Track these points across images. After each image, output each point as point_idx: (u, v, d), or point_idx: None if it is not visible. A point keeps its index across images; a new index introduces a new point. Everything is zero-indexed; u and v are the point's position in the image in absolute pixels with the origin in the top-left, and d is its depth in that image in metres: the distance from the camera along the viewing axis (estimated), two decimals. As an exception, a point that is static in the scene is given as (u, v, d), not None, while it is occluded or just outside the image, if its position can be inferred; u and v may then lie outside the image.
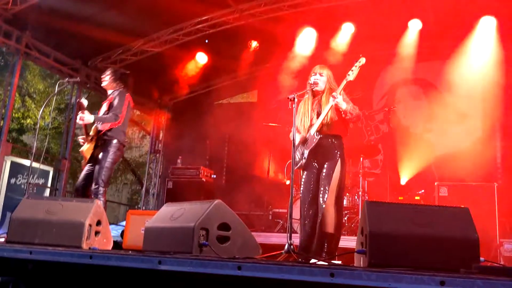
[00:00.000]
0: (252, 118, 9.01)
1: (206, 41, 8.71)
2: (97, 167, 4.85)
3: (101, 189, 4.78)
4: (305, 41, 8.20)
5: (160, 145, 10.66)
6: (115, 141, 4.95)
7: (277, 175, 8.30)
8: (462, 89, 7.09)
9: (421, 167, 7.46)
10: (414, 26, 7.53)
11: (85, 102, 4.95)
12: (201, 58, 9.11)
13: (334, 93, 4.20)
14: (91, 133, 4.98)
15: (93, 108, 15.51)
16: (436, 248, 2.60)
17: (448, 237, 2.65)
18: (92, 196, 4.72)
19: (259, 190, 8.12)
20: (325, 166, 4.28)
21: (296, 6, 7.61)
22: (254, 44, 8.66)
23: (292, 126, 4.19)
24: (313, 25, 8.06)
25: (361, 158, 6.89)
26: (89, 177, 4.91)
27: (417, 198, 6.94)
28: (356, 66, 4.35)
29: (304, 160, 4.38)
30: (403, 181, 7.66)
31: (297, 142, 4.37)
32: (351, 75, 4.32)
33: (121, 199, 16.27)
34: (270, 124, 8.09)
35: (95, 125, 4.96)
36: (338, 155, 4.30)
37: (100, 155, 4.89)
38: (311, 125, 4.38)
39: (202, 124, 9.13)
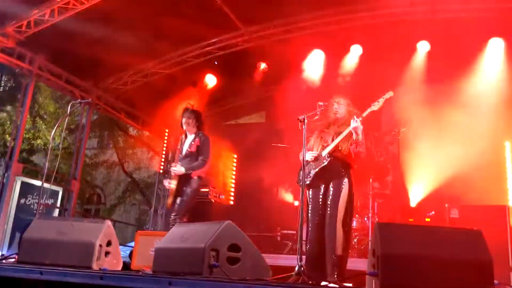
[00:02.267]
0: (260, 138, 9.04)
1: (216, 63, 8.81)
2: (178, 199, 5.28)
3: (179, 220, 5.14)
4: (314, 62, 8.28)
5: (168, 165, 10.67)
6: (196, 177, 5.37)
7: (285, 196, 8.27)
8: (471, 110, 7.08)
9: (431, 188, 7.40)
10: (423, 48, 7.58)
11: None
12: (210, 79, 9.20)
13: (356, 118, 4.25)
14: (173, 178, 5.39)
15: (102, 128, 15.64)
16: (450, 271, 2.57)
17: (461, 259, 2.62)
18: (171, 225, 4.95)
19: (267, 211, 8.09)
20: (332, 187, 4.30)
21: (304, 29, 7.70)
22: (263, 66, 8.75)
23: (301, 146, 4.22)
24: (321, 47, 8.14)
25: (371, 180, 6.87)
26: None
27: (427, 220, 6.87)
28: (383, 98, 4.51)
29: (309, 179, 4.38)
30: (413, 202, 7.58)
31: (308, 159, 4.39)
32: (377, 105, 4.48)
33: (129, 219, 16.23)
34: (278, 144, 8.11)
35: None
36: (345, 177, 4.33)
37: (182, 189, 5.29)
38: (323, 147, 4.41)
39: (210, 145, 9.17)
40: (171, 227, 4.63)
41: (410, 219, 6.93)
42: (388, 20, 7.00)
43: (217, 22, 7.70)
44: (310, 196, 4.44)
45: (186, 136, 5.64)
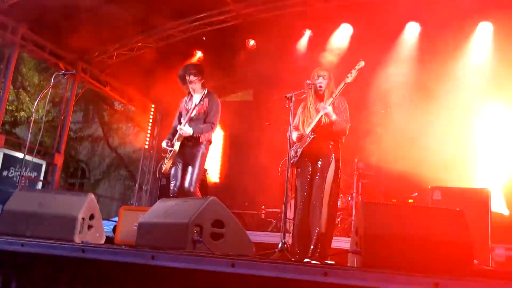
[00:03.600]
0: (248, 117, 9.01)
1: (203, 38, 8.69)
2: (190, 168, 4.79)
3: (195, 186, 4.73)
4: (302, 41, 8.22)
5: (154, 141, 10.62)
6: (205, 141, 4.92)
7: (271, 175, 8.28)
8: (459, 94, 7.12)
9: (415, 170, 7.46)
10: (413, 29, 7.56)
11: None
12: (198, 55, 9.10)
13: (323, 104, 4.25)
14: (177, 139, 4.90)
15: (88, 102, 15.40)
16: (431, 250, 2.60)
17: (442, 239, 2.65)
18: (186, 193, 4.67)
19: (253, 189, 8.11)
20: (319, 166, 4.30)
21: (294, 6, 7.60)
22: (251, 43, 8.66)
23: (288, 125, 4.21)
24: (310, 26, 8.08)
25: (356, 160, 6.90)
26: (183, 175, 4.86)
27: (410, 201, 6.95)
28: (355, 69, 4.36)
29: (296, 158, 4.38)
30: (397, 184, 7.65)
31: (294, 139, 4.38)
32: (350, 77, 4.34)
33: (114, 194, 16.17)
34: (266, 123, 8.09)
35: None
36: (332, 156, 4.31)
37: (192, 156, 4.83)
38: (309, 124, 4.39)
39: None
40: (190, 194, 4.56)
41: (393, 200, 7.00)
42: (379, 0, 6.93)
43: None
44: (298, 175, 4.45)
45: (190, 96, 5.09)
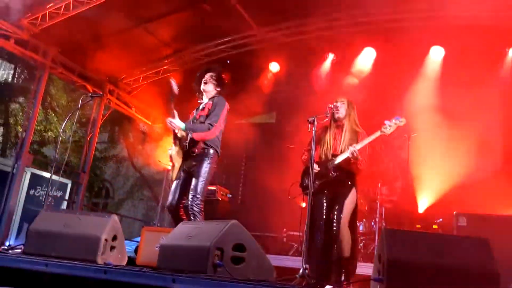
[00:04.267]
0: (270, 139, 9.03)
1: (228, 61, 8.82)
2: (194, 180, 4.34)
3: (199, 202, 4.30)
4: (325, 64, 8.26)
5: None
6: (211, 151, 4.45)
7: (293, 197, 8.25)
8: (483, 119, 7.01)
9: (439, 195, 7.33)
10: (437, 53, 7.53)
11: (175, 86, 4.51)
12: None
13: (353, 147, 4.28)
14: (179, 134, 4.52)
15: (113, 123, 15.70)
16: (455, 279, 2.54)
17: (467, 268, 2.59)
18: (189, 208, 4.26)
19: (275, 211, 8.07)
20: (339, 192, 4.38)
21: (318, 31, 7.67)
22: (275, 66, 8.73)
23: (307, 148, 4.22)
24: (334, 50, 8.12)
25: (379, 184, 6.82)
26: (183, 190, 4.46)
27: (435, 227, 6.81)
28: (394, 123, 4.42)
29: (314, 187, 4.31)
30: (421, 209, 7.52)
31: (314, 167, 4.36)
32: (387, 130, 4.40)
33: (137, 214, 16.29)
34: (288, 146, 8.09)
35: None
36: (352, 185, 4.41)
37: (196, 167, 4.39)
38: (329, 154, 4.48)
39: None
40: (193, 214, 4.21)
41: (417, 226, 6.87)
42: (402, 25, 6.94)
43: (231, 21, 7.71)
44: (313, 202, 4.34)
45: (200, 104, 4.78)
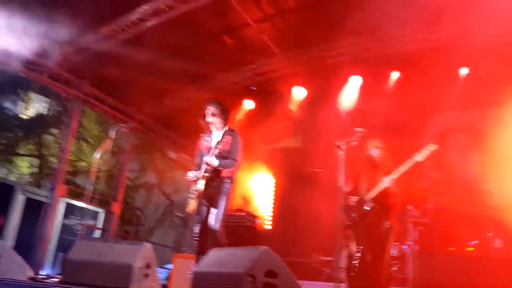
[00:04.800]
0: (297, 163, 9.04)
1: (253, 88, 8.94)
2: (215, 210, 4.65)
3: (218, 229, 4.58)
4: (352, 88, 8.27)
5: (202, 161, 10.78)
6: (229, 180, 4.76)
7: (322, 222, 8.19)
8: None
9: (474, 217, 7.16)
10: (463, 73, 7.47)
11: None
12: (248, 104, 9.33)
13: (386, 178, 4.62)
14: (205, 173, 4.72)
15: (143, 151, 15.94)
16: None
17: (505, 292, 2.53)
18: (216, 239, 4.54)
19: (305, 236, 8.02)
20: (380, 224, 4.64)
21: (343, 55, 7.72)
22: (300, 91, 8.79)
23: (338, 172, 4.24)
24: (359, 73, 8.14)
25: (409, 207, 6.71)
26: (206, 219, 4.71)
27: (469, 249, 6.63)
28: (427, 150, 4.64)
29: (357, 218, 4.75)
30: (455, 231, 7.35)
31: (351, 202, 4.80)
32: (419, 156, 4.64)
33: (167, 241, 16.40)
34: (315, 169, 8.09)
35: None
36: (391, 217, 4.71)
37: (218, 196, 4.68)
38: (368, 190, 4.77)
39: (248, 168, 9.22)
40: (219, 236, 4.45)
41: (451, 248, 6.70)
42: (427, 46, 6.93)
43: (255, 48, 7.85)
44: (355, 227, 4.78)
45: (209, 133, 4.95)
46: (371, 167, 4.85)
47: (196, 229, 4.74)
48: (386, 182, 4.61)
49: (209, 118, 4.87)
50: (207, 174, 4.69)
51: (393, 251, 6.69)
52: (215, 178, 4.69)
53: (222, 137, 4.79)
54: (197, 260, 4.59)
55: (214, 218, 4.61)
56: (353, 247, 4.56)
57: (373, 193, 4.74)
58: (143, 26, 6.94)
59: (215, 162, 4.64)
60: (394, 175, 4.62)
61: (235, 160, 4.74)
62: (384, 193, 4.69)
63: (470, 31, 6.62)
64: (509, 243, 5.56)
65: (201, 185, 4.67)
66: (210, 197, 4.70)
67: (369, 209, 4.72)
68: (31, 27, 6.32)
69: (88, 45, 7.23)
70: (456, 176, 7.64)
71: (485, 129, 7.13)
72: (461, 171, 7.49)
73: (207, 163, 4.65)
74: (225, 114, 4.94)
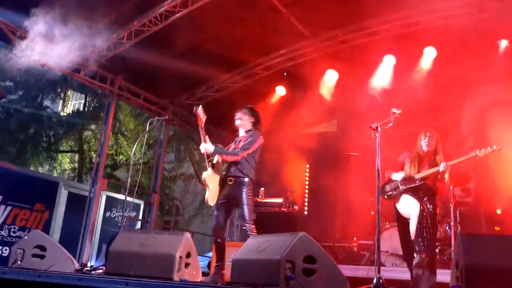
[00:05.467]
0: (333, 147, 8.96)
1: (285, 74, 8.87)
2: (239, 209, 4.78)
3: (251, 227, 4.69)
4: (385, 68, 8.08)
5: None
6: (246, 179, 4.80)
7: (360, 205, 8.11)
8: None
9: (517, 195, 6.93)
10: (503, 45, 7.18)
11: (201, 113, 4.98)
12: (281, 90, 9.28)
13: (446, 164, 4.76)
14: (214, 161, 4.84)
15: (179, 142, 16.18)
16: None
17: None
18: (246, 234, 4.63)
19: (342, 220, 7.97)
20: (427, 202, 4.77)
21: (374, 34, 7.55)
22: (333, 74, 8.66)
23: (375, 155, 4.17)
24: (393, 52, 7.93)
25: (451, 187, 6.55)
26: (226, 215, 4.88)
27: (516, 228, 6.44)
28: (491, 149, 4.80)
29: (396, 193, 4.99)
30: (500, 209, 7.13)
31: (398, 179, 5.01)
32: (480, 153, 4.82)
33: (207, 230, 16.65)
34: (351, 153, 8.00)
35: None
36: (435, 198, 4.88)
37: (238, 194, 4.75)
38: (417, 172, 4.93)
39: (283, 155, 9.20)
40: (248, 235, 4.51)
41: (496, 228, 6.52)
42: (462, 20, 6.67)
43: (285, 33, 7.76)
44: (399, 209, 4.99)
45: (239, 136, 5.07)
46: (420, 155, 5.01)
47: (215, 230, 4.89)
48: (441, 167, 4.75)
49: (237, 122, 5.06)
50: (223, 173, 4.86)
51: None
52: (231, 178, 4.79)
53: (242, 136, 4.96)
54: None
55: (242, 219, 4.73)
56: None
57: (424, 173, 4.88)
58: (172, 17, 6.97)
59: (210, 148, 4.76)
60: (451, 162, 4.80)
61: (238, 150, 4.79)
62: (435, 176, 4.85)
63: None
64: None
65: (207, 174, 4.79)
66: (228, 199, 4.82)
67: (418, 184, 4.85)
68: (70, 30, 6.47)
69: (120, 41, 7.33)
70: (497, 152, 7.39)
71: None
72: (503, 147, 7.23)
73: (204, 150, 4.75)
74: (253, 117, 5.04)
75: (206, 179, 4.79)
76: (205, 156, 4.84)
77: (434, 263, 4.59)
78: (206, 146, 4.79)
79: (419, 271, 4.39)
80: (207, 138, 4.88)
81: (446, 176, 4.83)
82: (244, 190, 4.75)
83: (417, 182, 4.89)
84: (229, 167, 4.84)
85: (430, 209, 4.74)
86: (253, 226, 4.70)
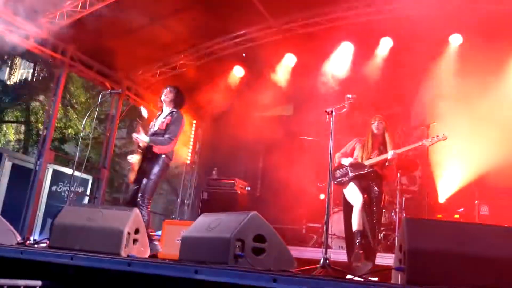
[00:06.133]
0: (288, 131, 9.02)
1: (244, 55, 8.82)
2: (145, 180, 4.90)
3: (146, 201, 4.86)
4: (342, 55, 8.19)
5: (196, 156, 10.79)
6: (163, 156, 4.98)
7: (311, 189, 8.25)
8: (506, 105, 6.89)
9: (461, 184, 7.25)
10: (455, 40, 7.42)
11: (144, 112, 5.16)
12: (238, 71, 9.22)
13: (394, 152, 4.90)
14: (141, 145, 5.00)
15: (132, 118, 15.82)
16: (478, 268, 2.52)
17: (491, 257, 2.56)
18: (138, 204, 4.75)
19: (293, 203, 8.07)
20: (375, 187, 5.01)
21: (334, 21, 7.61)
22: (291, 58, 8.69)
23: (328, 140, 4.23)
24: (351, 39, 8.04)
25: (398, 174, 6.77)
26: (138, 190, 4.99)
27: (456, 216, 6.75)
28: (437, 138, 4.94)
29: (346, 179, 5.09)
30: (442, 198, 7.45)
31: (346, 163, 5.15)
32: (427, 142, 5.00)
33: (156, 208, 16.48)
34: (305, 137, 8.08)
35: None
36: (381, 185, 5.08)
37: (149, 169, 4.93)
38: (367, 157, 5.08)
39: (237, 136, 9.19)
40: (140, 209, 4.59)
41: (438, 215, 6.81)
42: (419, 13, 6.83)
43: (246, 14, 7.70)
44: (346, 196, 5.12)
45: (162, 112, 5.30)
46: (370, 141, 5.15)
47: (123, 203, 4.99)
48: (390, 154, 4.89)
49: (162, 97, 5.25)
50: (140, 150, 4.98)
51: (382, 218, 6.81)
52: (150, 152, 4.95)
53: (164, 117, 5.13)
54: None
55: (141, 193, 4.86)
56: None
57: (373, 160, 5.02)
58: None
59: (145, 138, 4.90)
60: (399, 150, 4.95)
61: (170, 139, 4.98)
62: (383, 163, 5.00)
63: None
64: (494, 210, 5.65)
65: (134, 158, 5.00)
66: (143, 172, 4.97)
67: (367, 171, 5.01)
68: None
69: (74, 9, 7.02)
70: (444, 144, 7.68)
71: (475, 97, 7.11)
72: (449, 139, 7.52)
73: (137, 138, 4.90)
74: (177, 96, 5.25)
75: (133, 164, 5.02)
76: (136, 145, 5.03)
77: (372, 252, 4.77)
78: (141, 137, 4.90)
79: (357, 264, 4.59)
80: (141, 129, 5.00)
81: (394, 163, 5.01)
82: (157, 165, 4.94)
83: (365, 169, 5.04)
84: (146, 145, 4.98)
85: (376, 193, 4.97)
86: (149, 202, 4.92)
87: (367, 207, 4.87)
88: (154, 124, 5.18)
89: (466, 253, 2.56)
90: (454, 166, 7.41)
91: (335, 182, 5.21)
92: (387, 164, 5.00)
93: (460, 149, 7.22)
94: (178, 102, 5.27)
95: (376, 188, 5.01)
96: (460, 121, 7.32)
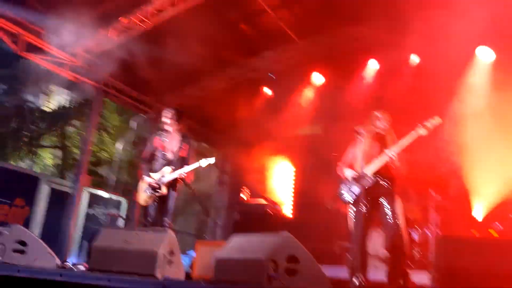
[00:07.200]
0: (318, 150, 9.02)
1: (271, 75, 8.92)
2: (167, 203, 5.33)
3: (168, 221, 5.23)
4: (369, 72, 8.20)
5: (227, 177, 10.88)
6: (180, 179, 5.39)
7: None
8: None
9: (498, 199, 7.07)
10: (483, 54, 7.34)
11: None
12: (267, 92, 9.33)
13: (388, 151, 4.37)
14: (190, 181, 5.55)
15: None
16: (516, 287, 2.47)
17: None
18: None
19: (326, 222, 8.03)
20: (385, 202, 4.41)
21: (360, 39, 7.63)
22: (319, 77, 8.74)
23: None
24: (377, 57, 8.05)
25: (431, 191, 6.66)
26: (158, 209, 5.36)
27: (492, 232, 6.57)
28: (430, 124, 4.39)
29: (353, 196, 4.56)
30: (478, 214, 7.28)
31: (349, 176, 4.65)
32: (422, 130, 4.38)
33: (189, 229, 16.60)
34: (333, 154, 8.05)
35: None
36: (394, 192, 4.47)
37: (169, 192, 5.35)
38: (365, 162, 4.48)
39: (268, 156, 9.25)
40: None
41: (473, 232, 6.64)
42: (443, 27, 6.78)
43: (272, 36, 7.81)
44: (354, 213, 4.56)
45: (166, 133, 5.53)
46: (373, 140, 4.61)
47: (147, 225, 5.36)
48: (386, 157, 4.37)
49: (164, 120, 5.54)
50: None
51: (415, 236, 6.69)
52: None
53: (179, 143, 5.41)
54: None
55: (167, 210, 5.31)
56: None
57: (373, 167, 4.46)
58: (161, 16, 6.96)
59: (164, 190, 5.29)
60: (396, 148, 4.37)
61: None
62: (387, 168, 4.44)
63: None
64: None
65: (164, 189, 5.33)
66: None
67: (372, 183, 4.40)
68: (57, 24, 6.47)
69: (108, 36, 7.29)
70: (479, 159, 7.52)
71: (507, 112, 6.97)
72: (484, 154, 7.37)
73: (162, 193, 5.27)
74: (180, 119, 5.58)
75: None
76: (152, 187, 5.35)
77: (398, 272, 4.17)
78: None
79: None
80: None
81: (397, 164, 4.43)
82: (178, 188, 5.49)
83: (369, 180, 4.42)
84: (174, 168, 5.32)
85: (390, 212, 4.35)
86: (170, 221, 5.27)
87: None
88: (165, 148, 5.39)
89: (502, 272, 2.52)
90: (491, 181, 7.24)
91: (341, 200, 4.80)
92: (392, 166, 4.42)
93: (494, 163, 7.08)
94: (179, 123, 5.57)
95: (387, 202, 4.41)
96: (496, 136, 7.18)
